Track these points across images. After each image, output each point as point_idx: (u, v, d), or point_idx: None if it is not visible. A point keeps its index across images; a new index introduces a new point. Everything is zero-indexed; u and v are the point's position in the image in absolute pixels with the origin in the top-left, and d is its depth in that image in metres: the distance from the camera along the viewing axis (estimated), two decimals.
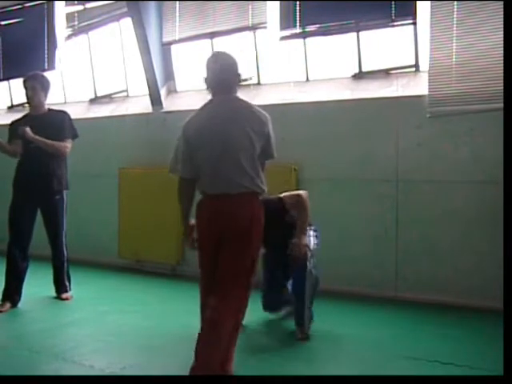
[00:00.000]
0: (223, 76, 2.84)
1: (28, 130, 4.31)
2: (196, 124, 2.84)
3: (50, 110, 4.60)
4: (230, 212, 2.76)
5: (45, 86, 4.53)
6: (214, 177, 2.77)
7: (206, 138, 2.78)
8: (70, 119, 4.61)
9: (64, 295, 4.64)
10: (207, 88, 2.92)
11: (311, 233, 3.75)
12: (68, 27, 6.72)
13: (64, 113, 4.64)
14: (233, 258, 2.75)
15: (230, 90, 2.86)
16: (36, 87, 4.46)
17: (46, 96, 4.55)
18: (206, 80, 2.90)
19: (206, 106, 2.90)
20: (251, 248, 2.78)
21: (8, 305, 4.31)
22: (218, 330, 2.64)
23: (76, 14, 6.64)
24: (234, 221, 2.75)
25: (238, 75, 2.91)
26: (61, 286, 4.67)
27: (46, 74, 4.85)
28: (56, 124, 4.49)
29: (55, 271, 4.68)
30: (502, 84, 3.57)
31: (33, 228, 4.49)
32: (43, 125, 4.41)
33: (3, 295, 4.36)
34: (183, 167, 2.88)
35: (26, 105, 7.34)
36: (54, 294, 4.67)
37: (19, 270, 4.41)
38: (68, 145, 4.53)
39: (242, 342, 3.51)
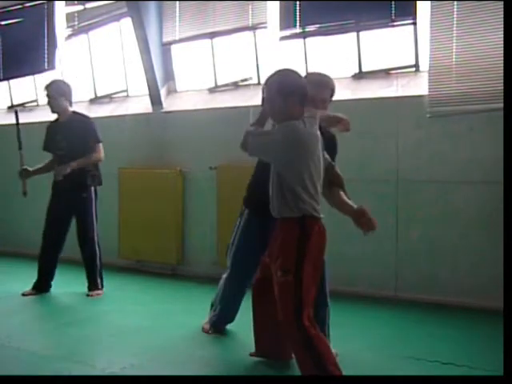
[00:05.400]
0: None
1: (65, 168, 4.53)
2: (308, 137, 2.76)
3: (74, 113, 4.76)
4: None
5: (61, 91, 4.65)
6: (318, 198, 2.82)
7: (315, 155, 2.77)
8: (93, 124, 4.74)
9: (94, 292, 4.71)
10: (296, 100, 2.74)
11: None
12: (68, 27, 6.71)
13: (87, 119, 4.79)
14: None
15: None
16: (51, 95, 4.61)
17: (67, 100, 4.69)
18: (296, 91, 2.72)
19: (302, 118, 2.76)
20: None
21: (34, 291, 4.64)
22: None
23: (76, 14, 6.64)
24: None
25: None
26: (91, 284, 4.76)
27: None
28: (81, 132, 4.65)
29: (87, 268, 4.81)
30: (502, 84, 3.57)
31: (68, 229, 4.78)
32: (68, 133, 4.62)
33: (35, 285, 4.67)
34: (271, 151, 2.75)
35: (27, 105, 7.41)
36: (53, 292, 4.70)
37: (51, 261, 4.71)
38: (98, 151, 4.74)
39: (242, 342, 3.54)
